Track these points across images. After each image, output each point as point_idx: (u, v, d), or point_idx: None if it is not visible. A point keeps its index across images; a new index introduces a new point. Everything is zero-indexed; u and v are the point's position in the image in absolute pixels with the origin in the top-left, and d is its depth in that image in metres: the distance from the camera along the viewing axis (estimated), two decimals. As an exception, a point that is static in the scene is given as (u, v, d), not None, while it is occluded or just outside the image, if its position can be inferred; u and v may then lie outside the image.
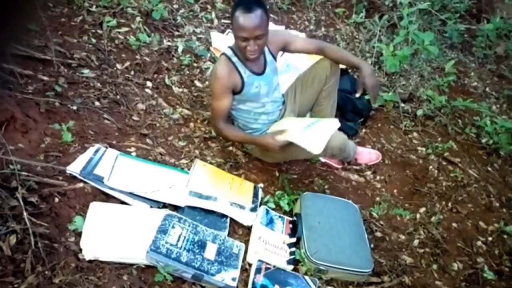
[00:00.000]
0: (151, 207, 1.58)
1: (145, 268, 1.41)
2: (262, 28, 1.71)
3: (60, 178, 1.54)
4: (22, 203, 1.34)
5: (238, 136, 1.97)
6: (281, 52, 2.88)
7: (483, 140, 2.59)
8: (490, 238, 2.04)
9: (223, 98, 1.85)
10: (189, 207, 1.65)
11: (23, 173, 1.44)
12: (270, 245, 1.65)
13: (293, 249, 1.68)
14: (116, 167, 1.65)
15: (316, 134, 1.75)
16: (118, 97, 2.03)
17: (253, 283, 1.48)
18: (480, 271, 1.85)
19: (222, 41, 2.67)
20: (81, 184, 1.55)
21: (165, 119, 2.07)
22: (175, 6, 2.89)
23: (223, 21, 3.02)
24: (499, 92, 3.17)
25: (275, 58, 2.00)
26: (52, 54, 1.99)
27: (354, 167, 2.27)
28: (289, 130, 1.81)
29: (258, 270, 1.52)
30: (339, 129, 2.08)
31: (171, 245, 1.43)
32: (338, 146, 1.91)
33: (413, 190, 2.22)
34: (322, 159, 2.23)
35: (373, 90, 1.93)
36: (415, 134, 2.60)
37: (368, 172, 2.27)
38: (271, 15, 3.26)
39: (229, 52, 1.85)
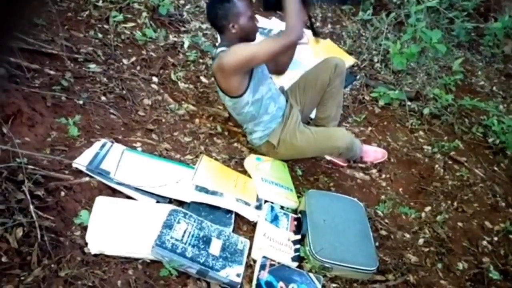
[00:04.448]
0: (157, 202, 1.58)
1: (150, 263, 1.41)
2: None
3: (66, 172, 1.54)
4: (28, 196, 1.35)
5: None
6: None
7: (490, 140, 2.57)
8: (495, 238, 2.02)
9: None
10: (194, 202, 1.65)
11: (30, 166, 1.44)
12: (274, 242, 1.64)
13: (298, 246, 1.67)
14: (122, 162, 1.65)
15: (267, 191, 1.86)
16: (124, 92, 2.03)
17: (258, 279, 1.48)
18: (486, 271, 1.84)
19: (228, 37, 2.66)
20: (87, 178, 1.55)
21: (170, 115, 2.07)
22: (182, 1, 2.89)
23: (229, 17, 3.01)
24: (507, 92, 3.14)
25: None
26: (59, 48, 2.00)
27: (360, 165, 2.26)
28: (259, 177, 1.90)
29: (262, 267, 1.52)
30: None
31: (176, 240, 1.43)
32: (345, 146, 1.91)
33: (418, 189, 2.21)
34: (328, 157, 2.22)
35: None
36: (421, 132, 2.59)
37: (374, 170, 2.26)
38: (277, 11, 3.24)
39: (225, 48, 1.86)
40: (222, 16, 1.82)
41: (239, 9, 1.81)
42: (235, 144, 2.12)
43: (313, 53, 2.85)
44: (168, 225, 1.46)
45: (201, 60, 2.52)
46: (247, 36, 1.87)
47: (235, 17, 1.82)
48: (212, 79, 2.43)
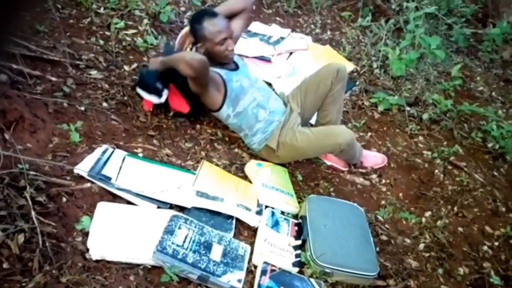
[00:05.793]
0: (158, 207, 1.59)
1: (151, 269, 1.41)
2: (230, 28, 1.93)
3: (68, 178, 1.55)
4: (30, 202, 1.35)
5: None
6: (286, 55, 2.90)
7: (489, 145, 2.58)
8: (496, 243, 2.03)
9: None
10: (195, 208, 1.66)
11: (31, 172, 1.45)
12: (275, 247, 1.65)
13: (299, 251, 1.68)
14: (123, 168, 1.66)
15: (267, 196, 1.86)
16: (125, 98, 2.04)
17: (259, 285, 1.48)
18: (486, 276, 1.84)
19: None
20: (89, 184, 1.56)
21: (171, 121, 2.08)
22: (182, 8, 2.91)
23: (229, 23, 3.03)
24: (505, 97, 3.16)
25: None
26: (60, 55, 2.01)
27: (360, 170, 2.27)
28: (261, 182, 1.90)
29: (263, 272, 1.52)
30: None
31: (178, 246, 1.43)
32: (346, 142, 1.92)
33: (418, 194, 2.22)
34: (328, 162, 2.23)
35: None
36: (420, 138, 2.60)
37: (374, 176, 2.26)
38: (277, 18, 3.27)
39: None
40: (194, 34, 1.93)
41: (206, 33, 1.88)
42: (236, 150, 2.12)
43: (313, 60, 2.87)
44: (169, 231, 1.47)
45: (201, 66, 2.54)
46: (214, 59, 1.91)
47: (202, 39, 1.90)
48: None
